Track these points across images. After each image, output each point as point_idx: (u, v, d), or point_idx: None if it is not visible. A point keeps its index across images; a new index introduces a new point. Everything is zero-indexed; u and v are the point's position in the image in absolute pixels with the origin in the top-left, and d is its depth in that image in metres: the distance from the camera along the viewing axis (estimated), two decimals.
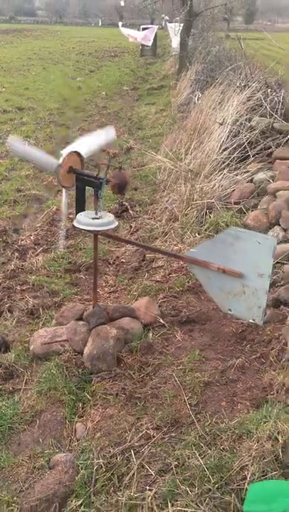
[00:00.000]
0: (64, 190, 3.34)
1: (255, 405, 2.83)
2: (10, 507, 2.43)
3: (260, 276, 3.13)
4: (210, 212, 5.04)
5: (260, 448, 2.39)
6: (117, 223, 3.26)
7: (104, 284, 4.40)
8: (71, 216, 4.27)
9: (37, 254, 4.86)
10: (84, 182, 3.27)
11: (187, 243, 4.71)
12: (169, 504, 2.24)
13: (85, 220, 3.15)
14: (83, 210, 3.32)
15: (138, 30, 23.00)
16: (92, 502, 2.38)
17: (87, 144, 3.43)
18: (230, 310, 3.35)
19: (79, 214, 3.23)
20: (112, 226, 3.20)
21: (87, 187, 3.31)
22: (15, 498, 2.47)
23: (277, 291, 3.66)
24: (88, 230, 3.21)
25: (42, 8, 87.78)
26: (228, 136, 6.04)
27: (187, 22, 14.87)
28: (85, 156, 3.36)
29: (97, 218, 3.19)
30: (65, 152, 3.26)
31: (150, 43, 22.12)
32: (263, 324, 3.32)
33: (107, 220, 3.18)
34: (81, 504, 2.38)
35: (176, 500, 2.26)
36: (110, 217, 3.23)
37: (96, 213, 3.23)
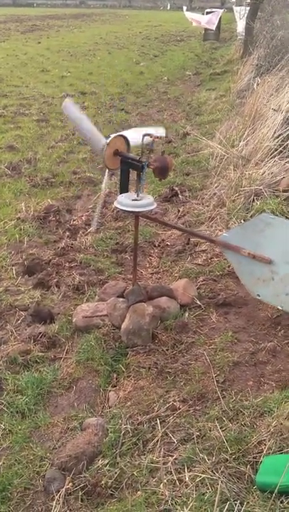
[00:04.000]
0: (107, 172, 3.49)
1: (282, 387, 2.90)
2: (42, 461, 2.66)
3: None
4: (257, 199, 5.06)
5: (278, 425, 2.49)
6: (155, 205, 3.38)
7: (147, 265, 4.56)
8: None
9: (86, 234, 5.07)
10: (128, 165, 3.41)
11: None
12: (186, 469, 2.39)
13: (125, 201, 3.30)
14: (126, 192, 3.47)
15: (203, 14, 22.74)
16: (118, 462, 2.57)
17: (134, 135, 3.49)
18: (258, 295, 3.38)
19: (120, 195, 3.38)
20: (150, 208, 3.32)
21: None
22: (48, 454, 2.70)
23: None
24: (127, 211, 3.35)
25: None
26: (282, 123, 5.98)
27: (254, 5, 14.57)
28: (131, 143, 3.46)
29: (138, 200, 3.33)
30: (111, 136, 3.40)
31: (214, 27, 21.72)
32: None
33: (146, 202, 3.31)
34: (107, 464, 2.57)
35: (194, 467, 2.40)
36: (150, 199, 3.35)
37: (137, 195, 3.36)
